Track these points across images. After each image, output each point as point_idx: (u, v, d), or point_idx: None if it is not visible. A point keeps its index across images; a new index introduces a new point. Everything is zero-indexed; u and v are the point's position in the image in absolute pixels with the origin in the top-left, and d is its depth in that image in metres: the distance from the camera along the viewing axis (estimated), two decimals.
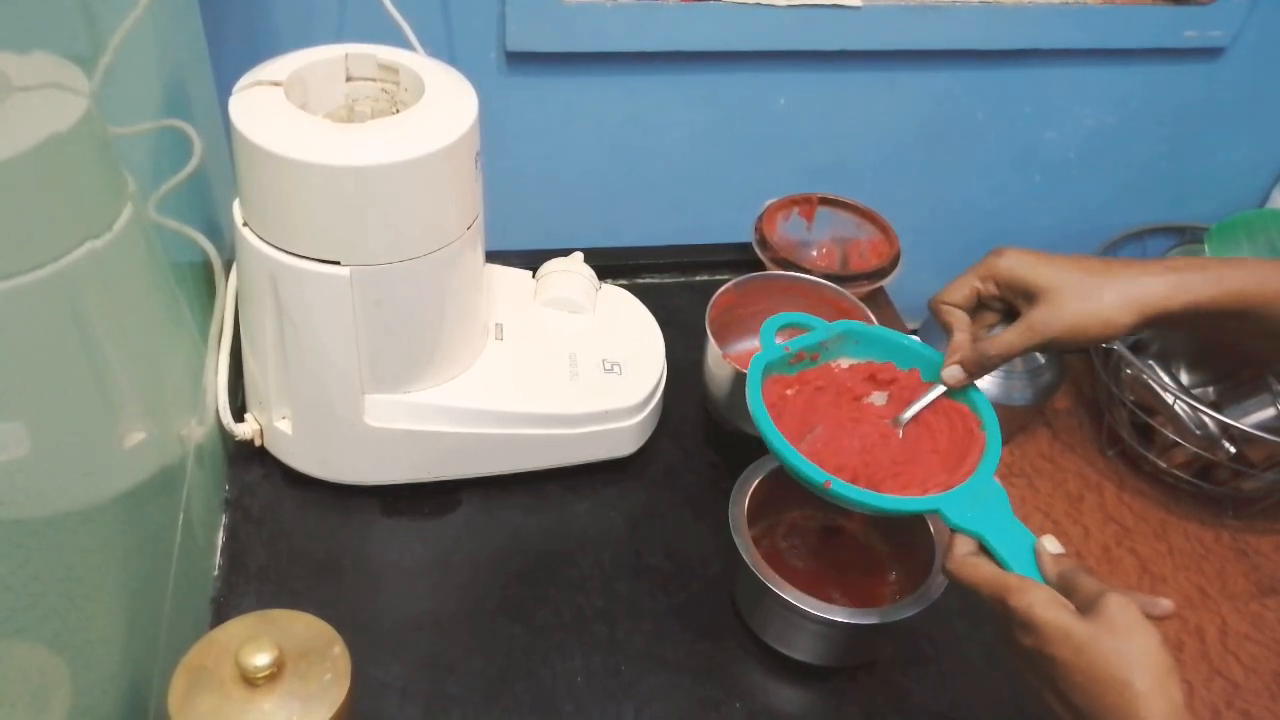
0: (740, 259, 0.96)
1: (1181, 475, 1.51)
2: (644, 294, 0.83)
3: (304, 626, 0.49)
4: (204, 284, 0.70)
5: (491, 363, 0.71)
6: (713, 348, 0.75)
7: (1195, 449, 1.46)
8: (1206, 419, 1.44)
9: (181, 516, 0.59)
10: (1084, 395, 1.73)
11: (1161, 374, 1.53)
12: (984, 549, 0.52)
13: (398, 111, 0.64)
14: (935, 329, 1.69)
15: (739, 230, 0.96)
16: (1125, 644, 0.44)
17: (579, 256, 0.81)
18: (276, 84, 0.59)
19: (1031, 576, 0.49)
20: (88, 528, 0.45)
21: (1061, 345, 0.55)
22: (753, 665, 0.65)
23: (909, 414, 0.60)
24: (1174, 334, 1.55)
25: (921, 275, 1.05)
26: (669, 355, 0.77)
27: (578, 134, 1.28)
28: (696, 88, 1.27)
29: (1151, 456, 1.53)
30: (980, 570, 0.50)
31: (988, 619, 0.50)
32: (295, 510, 0.71)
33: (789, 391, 0.63)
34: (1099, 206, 1.61)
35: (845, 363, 0.64)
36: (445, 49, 1.15)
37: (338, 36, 1.09)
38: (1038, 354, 1.54)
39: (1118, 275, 0.54)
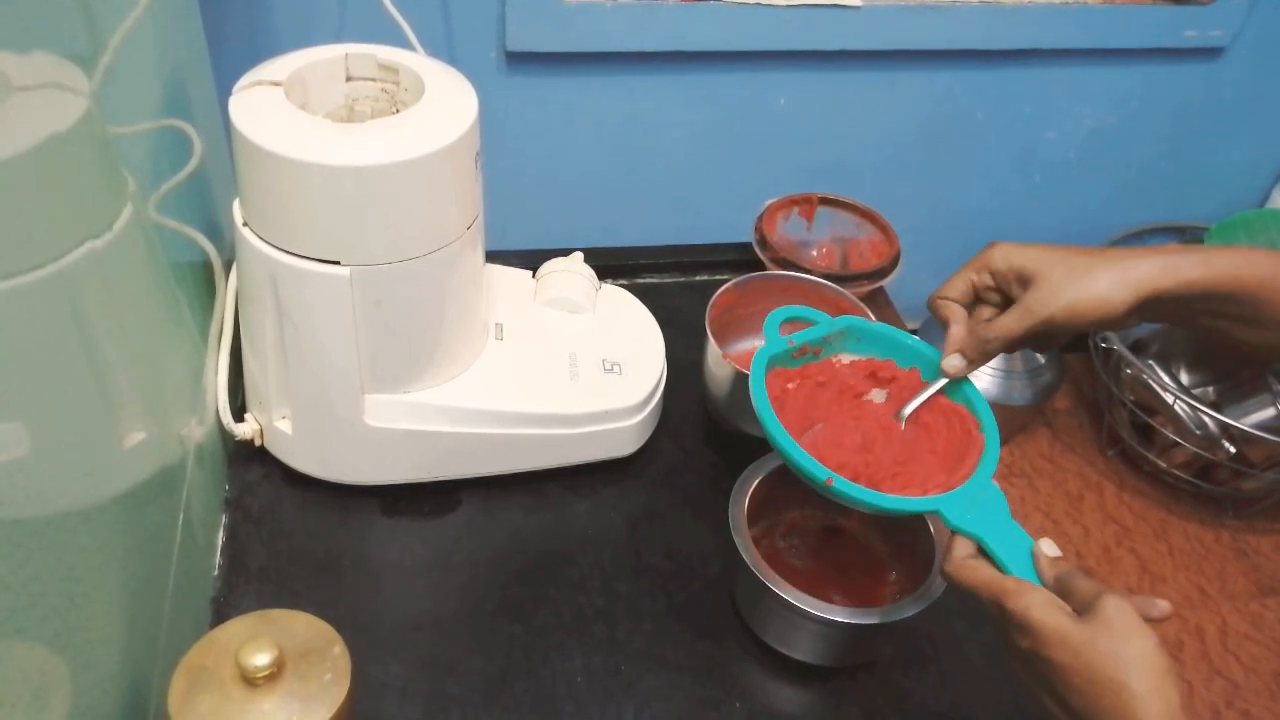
0: (740, 259, 0.96)
1: (1181, 475, 1.51)
2: (644, 294, 0.83)
3: (304, 626, 0.49)
4: (204, 284, 0.70)
5: (491, 363, 0.71)
6: (713, 348, 0.75)
7: (1195, 449, 1.46)
8: (1206, 419, 1.44)
9: (181, 516, 0.59)
10: (1084, 395, 1.73)
11: (1161, 374, 1.53)
12: (982, 551, 0.52)
13: (398, 111, 0.64)
14: (935, 329, 1.69)
15: (739, 230, 0.96)
16: (1122, 646, 0.44)
17: (579, 256, 0.81)
18: (276, 84, 0.59)
19: (1029, 579, 0.49)
20: (88, 528, 0.45)
21: (1060, 328, 0.54)
22: (753, 665, 0.65)
23: (910, 408, 0.61)
24: (1173, 332, 1.55)
25: (921, 275, 1.05)
26: (669, 355, 0.77)
27: (578, 134, 1.28)
28: (696, 88, 1.27)
29: (1151, 456, 1.53)
30: (978, 573, 0.50)
31: (987, 619, 0.50)
32: (295, 510, 0.71)
33: (791, 385, 0.63)
34: (1099, 206, 1.61)
35: (847, 359, 0.64)
36: (445, 49, 1.15)
37: (338, 36, 1.09)
38: (1037, 354, 1.54)
39: (1110, 258, 0.54)
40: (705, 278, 0.98)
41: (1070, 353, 1.75)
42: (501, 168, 1.25)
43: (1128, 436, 1.55)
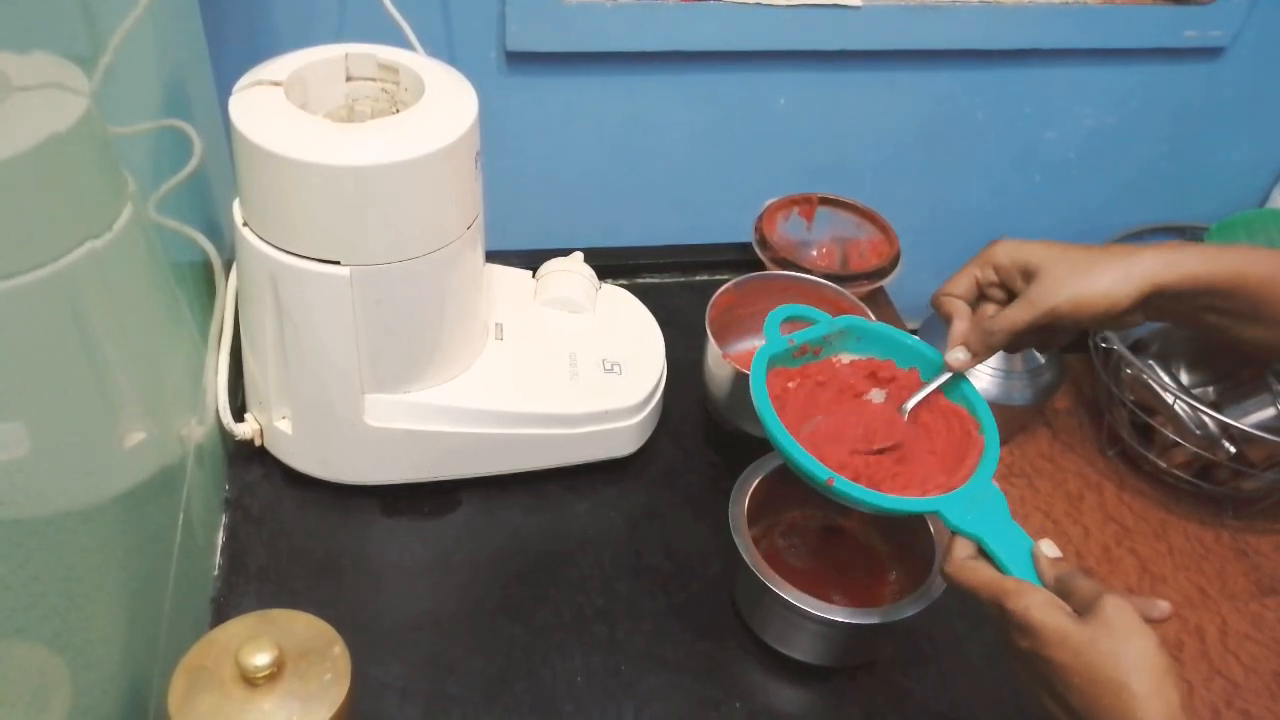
0: (740, 259, 0.96)
1: (1181, 475, 1.51)
2: (644, 294, 0.83)
3: (304, 626, 0.49)
4: (204, 284, 0.70)
5: (491, 363, 0.71)
6: (713, 348, 0.75)
7: (1195, 449, 1.46)
8: (1206, 419, 1.44)
9: (181, 516, 0.59)
10: (1084, 395, 1.73)
11: (1161, 374, 1.53)
12: (982, 552, 0.52)
13: (398, 111, 0.64)
14: (936, 329, 1.69)
15: (739, 230, 0.96)
16: (1122, 646, 0.44)
17: (579, 256, 0.81)
18: (276, 84, 0.59)
19: (1029, 580, 0.49)
20: (88, 528, 0.45)
21: (1064, 321, 0.54)
22: (753, 665, 0.65)
23: (912, 402, 0.61)
24: (1173, 332, 1.55)
25: (921, 275, 1.05)
26: (669, 355, 0.77)
27: (578, 134, 1.28)
28: (696, 88, 1.27)
29: (1151, 456, 1.53)
30: (979, 573, 0.50)
31: (987, 619, 0.50)
32: (295, 510, 0.71)
33: (791, 384, 0.63)
34: (1099, 206, 1.61)
35: (847, 358, 0.64)
36: (445, 49, 1.15)
37: (338, 36, 1.09)
38: (1037, 354, 1.54)
39: (1114, 253, 0.54)
40: (705, 278, 0.98)
41: (1070, 353, 1.75)
42: (501, 168, 1.25)
43: (1128, 436, 1.55)
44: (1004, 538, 0.52)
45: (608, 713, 0.62)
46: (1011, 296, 0.58)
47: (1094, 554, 1.47)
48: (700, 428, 0.81)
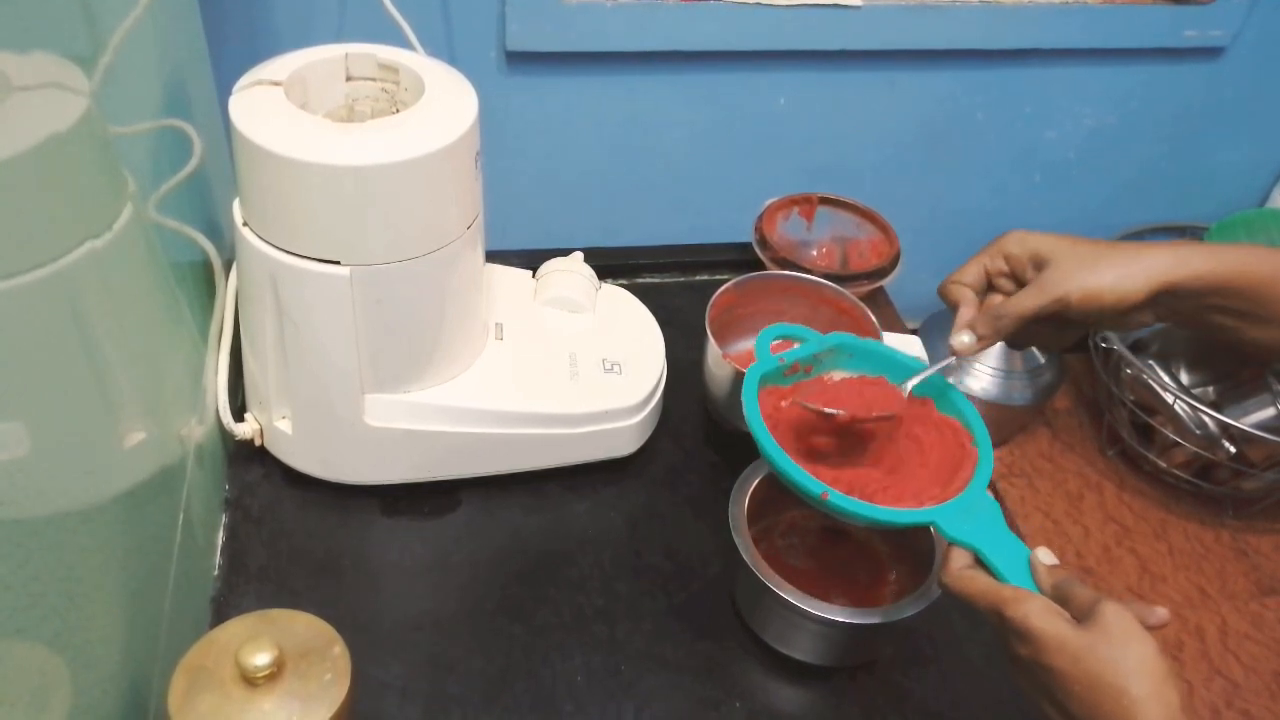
0: (740, 259, 0.96)
1: (1181, 475, 1.51)
2: (644, 294, 0.83)
3: (304, 626, 0.49)
4: (204, 284, 0.70)
5: (491, 362, 0.71)
6: (713, 348, 0.75)
7: (1195, 449, 1.46)
8: (1206, 419, 1.44)
9: (181, 516, 0.59)
10: (1084, 395, 1.73)
11: (1161, 374, 1.53)
12: (979, 562, 0.52)
13: (398, 111, 0.64)
14: (935, 329, 1.68)
15: (739, 230, 0.96)
16: (1121, 652, 0.44)
17: (579, 256, 0.81)
18: (276, 84, 0.59)
19: (1027, 588, 0.49)
20: (88, 528, 0.45)
21: (1072, 312, 0.54)
22: (753, 665, 0.65)
23: (914, 381, 0.61)
24: (1173, 332, 1.55)
25: (921, 275, 1.05)
26: (669, 355, 0.77)
27: (578, 134, 1.28)
28: (696, 88, 1.27)
29: (1151, 456, 1.53)
30: (976, 582, 0.50)
31: (986, 620, 0.50)
32: (295, 510, 0.71)
33: (784, 403, 0.63)
34: (1099, 206, 1.61)
35: (838, 376, 0.64)
36: (445, 49, 1.15)
37: (338, 36, 1.09)
38: (1038, 353, 1.54)
39: (1125, 248, 0.54)
40: (705, 278, 0.98)
41: (1070, 353, 1.75)
42: (501, 168, 1.25)
43: (1128, 436, 1.55)
44: (1000, 547, 0.52)
45: (608, 713, 0.62)
46: (1020, 286, 0.57)
47: (1094, 554, 1.47)
48: (700, 428, 0.81)
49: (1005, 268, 0.58)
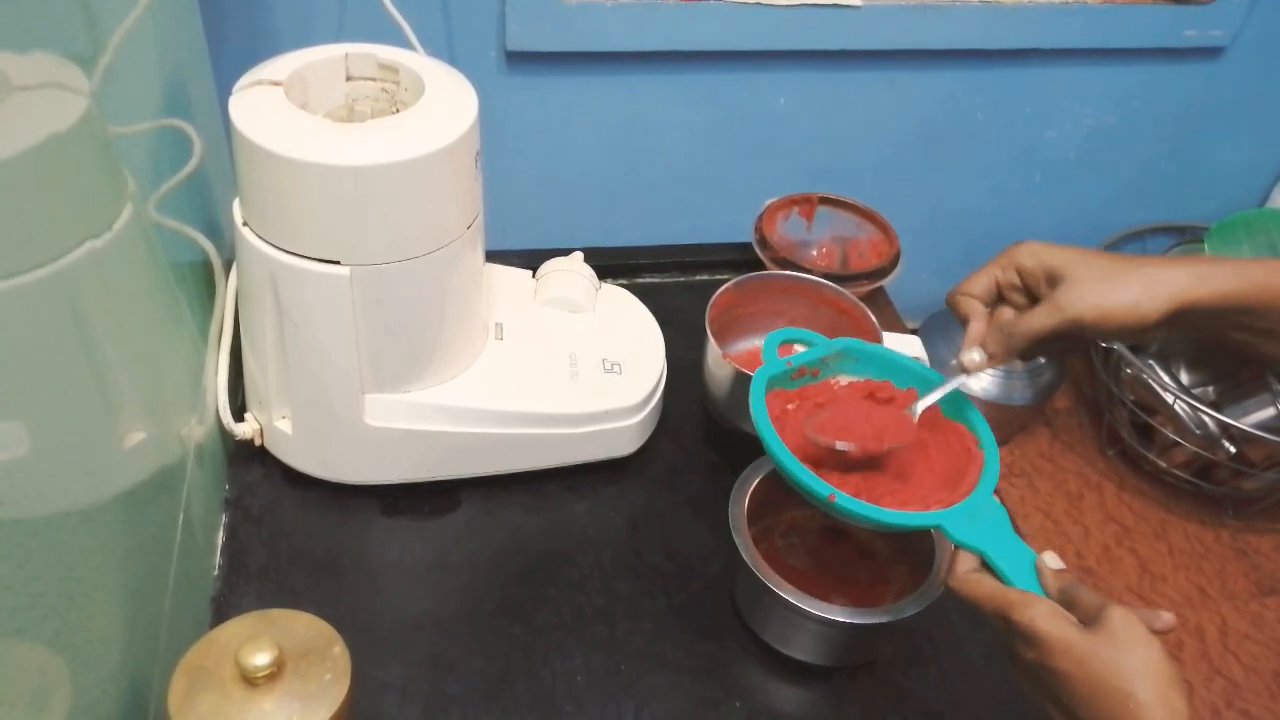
0: (740, 259, 0.96)
1: (1181, 475, 1.51)
2: (644, 294, 0.83)
3: (304, 626, 0.49)
4: (204, 284, 0.70)
5: (491, 362, 0.71)
6: (713, 347, 0.75)
7: (1195, 449, 1.46)
8: (1206, 419, 1.44)
9: (181, 516, 0.59)
10: (1084, 395, 1.73)
11: (1161, 374, 1.53)
12: (985, 565, 0.52)
13: (398, 111, 0.64)
14: (935, 329, 1.68)
15: (739, 230, 0.96)
16: (1128, 656, 0.44)
17: (579, 256, 0.81)
18: (276, 84, 0.59)
19: (1033, 591, 0.49)
20: (88, 528, 0.45)
21: (1087, 330, 0.53)
22: (753, 665, 0.65)
23: (923, 404, 0.60)
24: (1186, 337, 1.55)
25: (921, 275, 1.05)
26: (669, 355, 0.77)
27: (578, 134, 1.28)
28: (696, 88, 1.27)
29: (1151, 456, 1.53)
30: (983, 586, 0.50)
31: (987, 620, 0.50)
32: (295, 510, 0.71)
33: (790, 406, 0.63)
34: (1099, 206, 1.61)
35: (845, 380, 0.64)
36: (445, 49, 1.15)
37: (338, 36, 1.09)
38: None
39: (1143, 264, 0.53)
40: (705, 278, 0.98)
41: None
42: (501, 168, 1.25)
43: (1128, 436, 1.55)
44: (1007, 551, 0.52)
45: (608, 713, 0.62)
46: (1033, 300, 0.56)
47: (1094, 554, 1.47)
48: (700, 428, 0.81)
49: (1017, 281, 0.56)
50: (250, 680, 0.45)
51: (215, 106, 0.78)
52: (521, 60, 1.18)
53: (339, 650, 0.48)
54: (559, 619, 0.66)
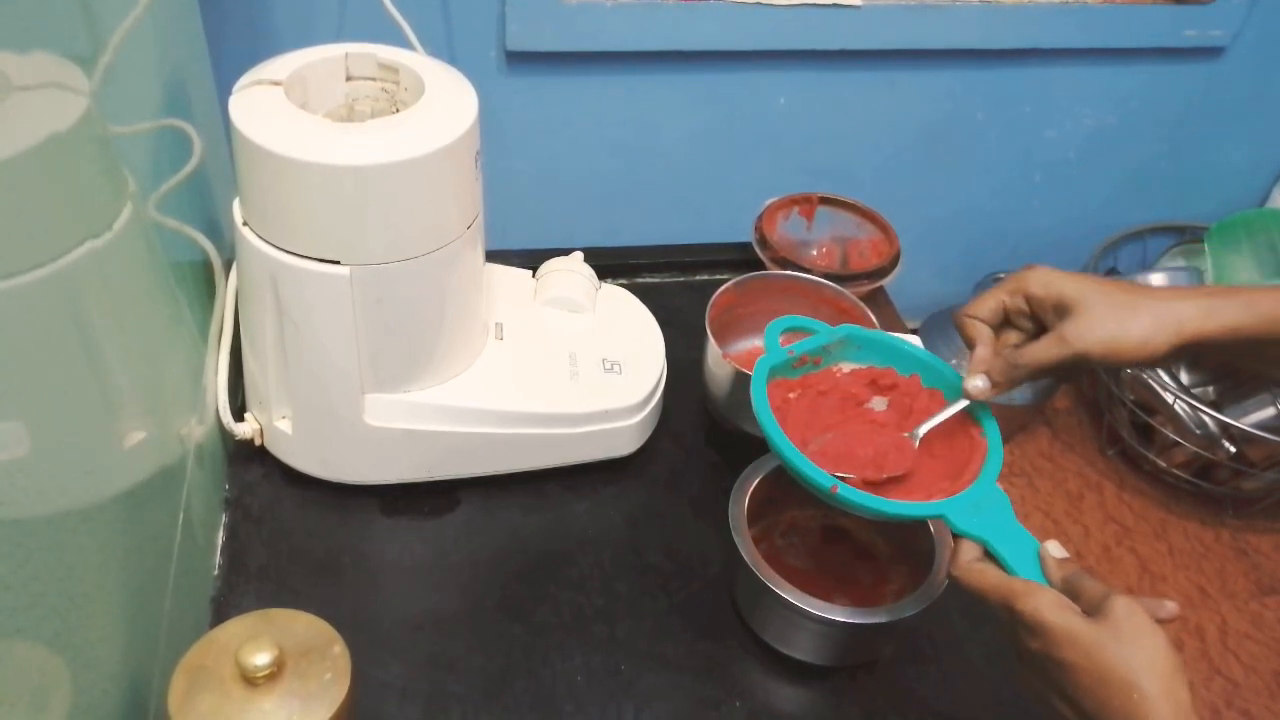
0: (740, 259, 0.96)
1: (1181, 475, 1.51)
2: (644, 294, 0.83)
3: (304, 626, 0.49)
4: (204, 284, 0.70)
5: (491, 362, 0.71)
6: (713, 347, 0.75)
7: (1195, 448, 1.46)
8: (1206, 418, 1.44)
9: (181, 516, 0.59)
10: (1084, 395, 1.73)
11: (1161, 374, 1.53)
12: (988, 555, 0.52)
13: (398, 111, 0.64)
14: (935, 329, 1.68)
15: (739, 230, 0.96)
16: (1133, 646, 0.44)
17: (579, 256, 0.81)
18: (276, 83, 0.59)
19: (1037, 581, 0.49)
20: (88, 527, 0.45)
21: (1093, 362, 0.53)
22: (753, 665, 0.65)
23: (925, 428, 0.60)
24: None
25: (921, 275, 1.05)
26: (669, 355, 0.77)
27: (578, 134, 1.28)
28: (696, 88, 1.27)
29: (1151, 456, 1.53)
30: (986, 576, 0.50)
31: (988, 618, 0.50)
32: (295, 510, 0.71)
33: (792, 395, 0.63)
34: (1099, 206, 1.61)
35: (847, 367, 0.64)
36: (445, 49, 1.15)
37: (338, 36, 1.09)
38: None
39: (1154, 297, 0.53)
40: (705, 278, 0.98)
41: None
42: (501, 168, 1.25)
43: (1128, 436, 1.55)
44: (1010, 540, 0.52)
45: (608, 712, 0.62)
46: (1039, 326, 0.56)
47: (1094, 554, 1.47)
48: (700, 428, 0.81)
49: (1025, 307, 0.56)
50: (250, 680, 0.45)
51: (215, 106, 0.78)
52: (521, 60, 1.18)
53: (339, 650, 0.48)
54: (559, 618, 0.66)
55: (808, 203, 0.96)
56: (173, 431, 0.59)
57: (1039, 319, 0.56)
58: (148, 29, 0.59)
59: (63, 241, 0.42)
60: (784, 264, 0.89)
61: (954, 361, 0.60)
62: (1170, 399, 1.45)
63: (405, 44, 0.88)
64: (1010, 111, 1.42)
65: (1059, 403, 1.70)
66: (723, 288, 0.78)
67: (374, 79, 0.65)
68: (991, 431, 0.59)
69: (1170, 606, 0.47)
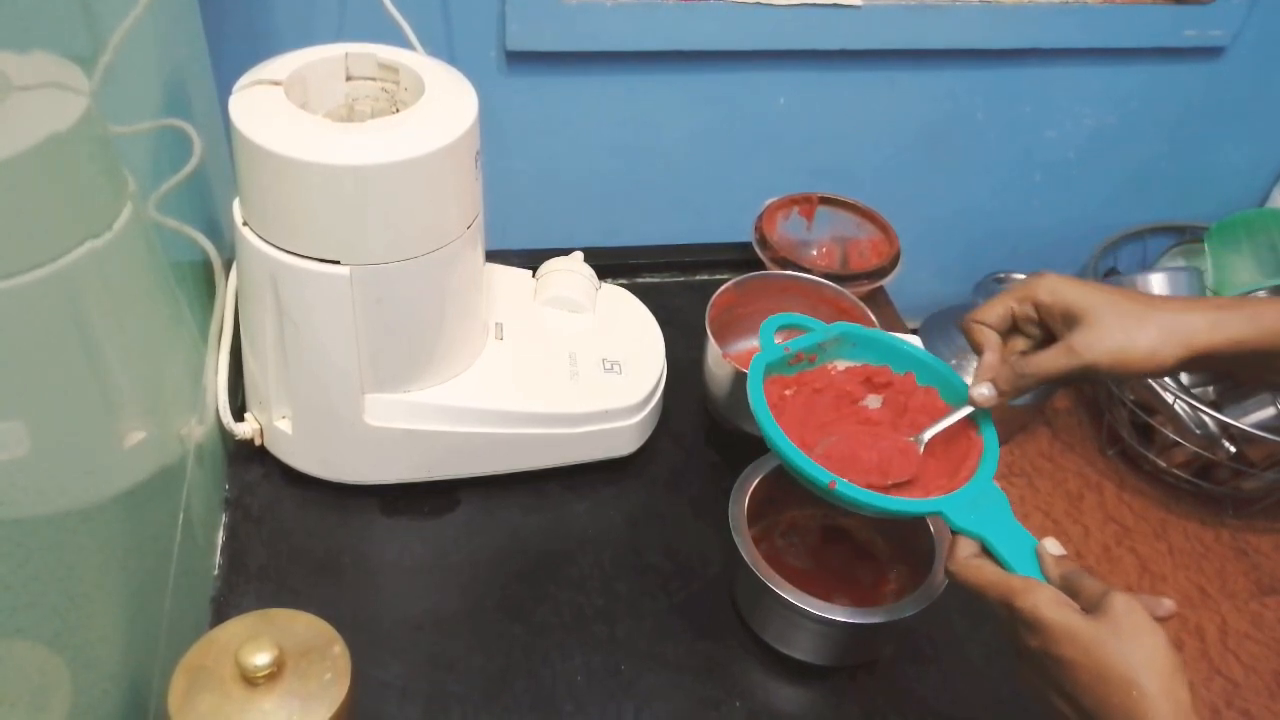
0: (740, 259, 0.96)
1: (1181, 475, 1.51)
2: (644, 294, 0.83)
3: (304, 626, 0.49)
4: (204, 283, 0.70)
5: (491, 362, 0.71)
6: (713, 347, 0.75)
7: (1195, 448, 1.46)
8: (1206, 418, 1.44)
9: (181, 516, 0.59)
10: (1084, 395, 1.73)
11: None
12: (986, 551, 0.52)
13: (398, 111, 0.64)
14: (935, 329, 1.68)
15: (739, 230, 0.96)
16: (1132, 644, 0.44)
17: (579, 256, 0.81)
18: (276, 83, 0.59)
19: (1035, 578, 0.49)
20: (88, 527, 0.45)
21: (1101, 374, 0.53)
22: (753, 665, 0.65)
23: (930, 434, 0.60)
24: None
25: (921, 275, 1.05)
26: (669, 355, 0.77)
27: (578, 134, 1.28)
28: (696, 88, 1.27)
29: (1151, 456, 1.53)
30: (984, 572, 0.50)
31: (988, 618, 0.50)
32: (295, 510, 0.71)
33: (788, 392, 0.63)
34: (1099, 206, 1.61)
35: (842, 365, 0.64)
36: (445, 48, 1.15)
37: (338, 36, 1.09)
38: None
39: (1162, 308, 0.53)
40: (705, 277, 0.98)
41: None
42: (501, 168, 1.25)
43: (1128, 436, 1.55)
44: (1007, 537, 0.52)
45: (608, 712, 0.62)
46: (1047, 334, 0.56)
47: (1094, 554, 1.47)
48: (700, 428, 0.81)
49: (1034, 315, 0.56)
50: (250, 680, 0.45)
51: (215, 106, 0.78)
52: (521, 60, 1.18)
53: (339, 650, 0.48)
54: (559, 618, 0.66)
55: (808, 203, 0.96)
56: (173, 431, 0.59)
57: (1047, 326, 0.56)
58: (148, 29, 0.59)
59: (63, 241, 0.42)
60: (784, 264, 0.89)
61: (953, 362, 0.60)
62: (1170, 399, 1.45)
63: (405, 44, 0.88)
64: (1010, 111, 1.42)
65: (1059, 403, 1.70)
66: (723, 288, 0.78)
67: (374, 79, 0.65)
68: (988, 429, 0.59)
69: (1168, 604, 0.47)
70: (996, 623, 0.50)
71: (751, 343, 0.83)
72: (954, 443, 0.60)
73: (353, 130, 0.57)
